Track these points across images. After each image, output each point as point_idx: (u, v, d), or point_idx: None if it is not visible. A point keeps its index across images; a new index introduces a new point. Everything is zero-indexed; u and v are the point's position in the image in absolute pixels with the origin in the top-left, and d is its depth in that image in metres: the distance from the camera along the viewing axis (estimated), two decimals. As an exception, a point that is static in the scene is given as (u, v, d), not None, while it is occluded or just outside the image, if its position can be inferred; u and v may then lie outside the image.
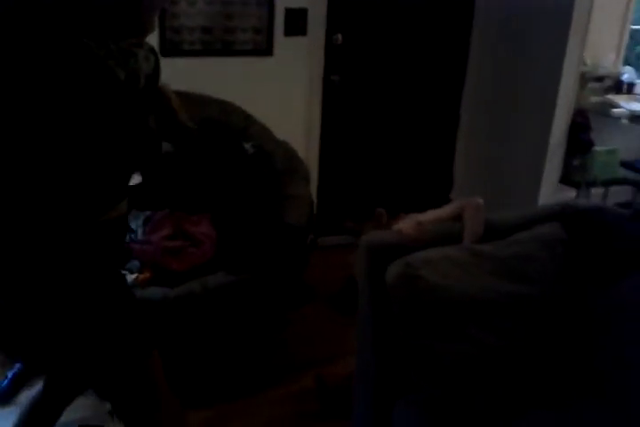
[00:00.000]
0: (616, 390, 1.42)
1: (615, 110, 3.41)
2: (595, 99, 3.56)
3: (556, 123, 3.03)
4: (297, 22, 2.79)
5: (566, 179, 3.32)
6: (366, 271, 1.58)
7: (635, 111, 3.39)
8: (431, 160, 3.57)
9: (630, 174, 3.59)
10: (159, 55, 1.22)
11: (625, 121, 3.40)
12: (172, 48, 2.62)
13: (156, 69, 1.18)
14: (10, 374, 2.09)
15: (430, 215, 1.64)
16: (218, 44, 2.69)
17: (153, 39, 2.27)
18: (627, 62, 3.92)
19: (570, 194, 3.55)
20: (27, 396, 2.04)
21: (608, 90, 3.67)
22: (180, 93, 1.47)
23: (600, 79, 3.63)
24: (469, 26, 3.29)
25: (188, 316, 1.99)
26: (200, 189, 2.25)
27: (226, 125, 2.41)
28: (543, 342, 1.51)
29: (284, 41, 2.81)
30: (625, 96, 3.61)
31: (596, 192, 3.76)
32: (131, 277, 1.99)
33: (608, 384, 1.44)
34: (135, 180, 1.60)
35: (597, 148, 3.30)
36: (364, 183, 3.39)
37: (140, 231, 2.15)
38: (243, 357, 2.34)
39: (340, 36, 2.95)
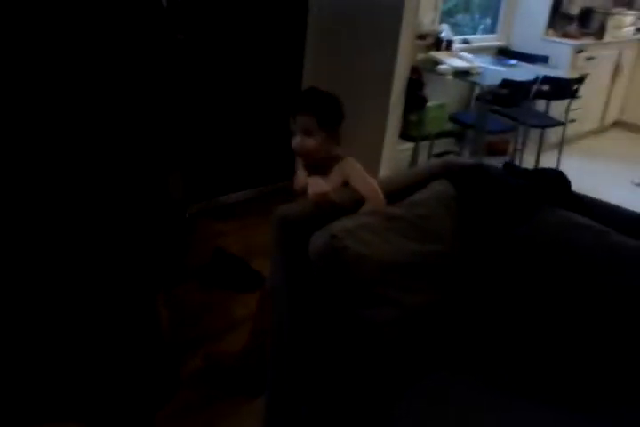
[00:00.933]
0: (520, 337, 1.59)
1: (441, 67, 3.66)
2: (420, 56, 3.78)
3: (395, 81, 3.17)
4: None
5: (403, 134, 3.53)
6: (281, 243, 1.54)
7: (457, 67, 3.67)
8: (276, 122, 3.54)
9: (454, 127, 3.94)
10: None
11: (449, 77, 3.67)
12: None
13: None
14: None
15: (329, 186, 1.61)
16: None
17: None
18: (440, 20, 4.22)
19: (402, 146, 3.79)
20: None
21: (430, 47, 3.92)
22: None
23: (423, 37, 3.86)
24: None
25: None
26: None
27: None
28: (454, 296, 1.61)
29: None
30: (445, 53, 3.89)
31: (423, 144, 4.08)
32: None
33: (513, 332, 1.59)
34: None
35: (429, 103, 3.54)
36: (213, 145, 3.29)
37: None
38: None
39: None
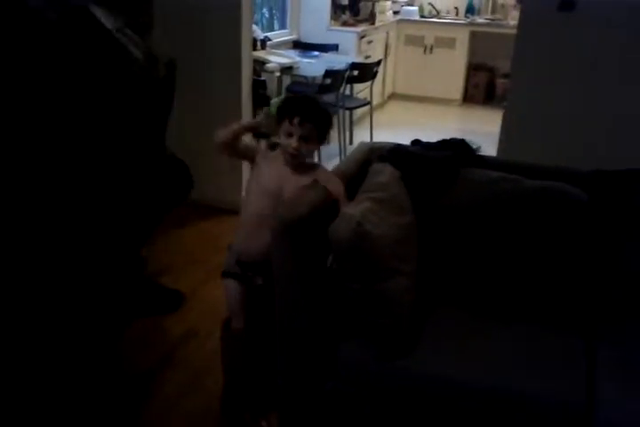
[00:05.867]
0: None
1: (269, 65, 3.89)
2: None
3: (243, 82, 3.34)
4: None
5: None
6: (288, 246, 1.67)
7: (282, 64, 3.94)
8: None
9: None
10: None
11: (277, 73, 3.93)
12: None
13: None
14: None
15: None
16: None
17: None
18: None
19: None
20: None
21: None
22: None
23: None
24: None
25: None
26: None
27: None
28: (425, 257, 1.90)
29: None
30: (263, 51, 4.12)
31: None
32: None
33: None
34: None
35: (272, 100, 3.75)
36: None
37: None
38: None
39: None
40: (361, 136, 5.13)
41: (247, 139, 1.93)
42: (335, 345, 1.76)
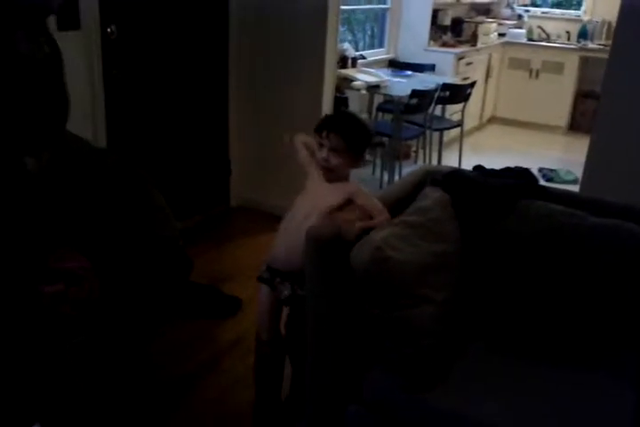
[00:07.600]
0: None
1: (355, 83, 3.92)
2: (332, 74, 4.01)
3: (325, 99, 3.38)
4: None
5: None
6: (319, 262, 1.65)
7: (369, 82, 3.95)
8: (208, 149, 3.64)
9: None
10: None
11: (364, 91, 3.94)
12: None
13: None
14: None
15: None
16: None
17: None
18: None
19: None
20: None
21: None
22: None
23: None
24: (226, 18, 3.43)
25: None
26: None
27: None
28: (465, 288, 1.81)
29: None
30: (353, 69, 4.15)
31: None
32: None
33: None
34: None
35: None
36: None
37: None
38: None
39: (113, 28, 2.75)
40: (450, 158, 5.02)
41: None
42: (363, 369, 1.71)
